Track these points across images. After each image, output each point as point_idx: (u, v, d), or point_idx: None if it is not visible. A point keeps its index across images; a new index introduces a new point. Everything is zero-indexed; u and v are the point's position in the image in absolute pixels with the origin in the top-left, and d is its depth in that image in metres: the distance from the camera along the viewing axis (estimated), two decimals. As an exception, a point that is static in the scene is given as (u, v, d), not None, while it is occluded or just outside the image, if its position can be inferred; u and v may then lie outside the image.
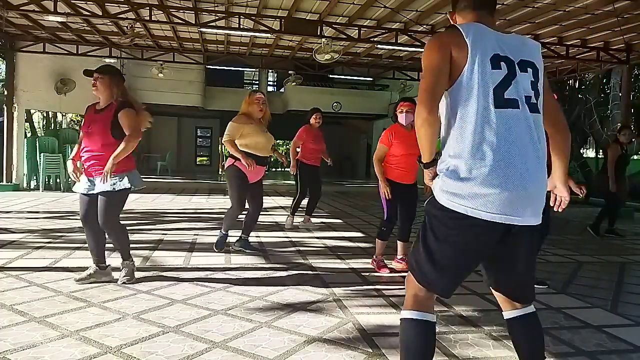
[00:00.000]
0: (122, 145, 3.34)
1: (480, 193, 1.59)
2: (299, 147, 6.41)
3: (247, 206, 4.71)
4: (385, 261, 4.24)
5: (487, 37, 1.68)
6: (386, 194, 4.06)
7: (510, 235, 1.65)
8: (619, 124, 11.41)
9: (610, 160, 6.48)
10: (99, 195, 3.40)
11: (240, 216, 4.71)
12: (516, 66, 1.66)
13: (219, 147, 21.76)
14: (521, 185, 1.59)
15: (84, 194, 3.46)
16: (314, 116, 6.36)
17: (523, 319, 1.79)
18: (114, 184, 3.36)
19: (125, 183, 3.40)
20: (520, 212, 1.61)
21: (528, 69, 1.68)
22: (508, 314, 1.82)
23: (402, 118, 4.13)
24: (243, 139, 4.47)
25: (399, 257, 4.29)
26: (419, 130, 1.68)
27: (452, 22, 1.84)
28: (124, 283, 3.47)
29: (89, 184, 3.43)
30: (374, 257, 4.29)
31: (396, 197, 4.11)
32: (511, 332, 1.84)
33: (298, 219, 6.58)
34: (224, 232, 4.71)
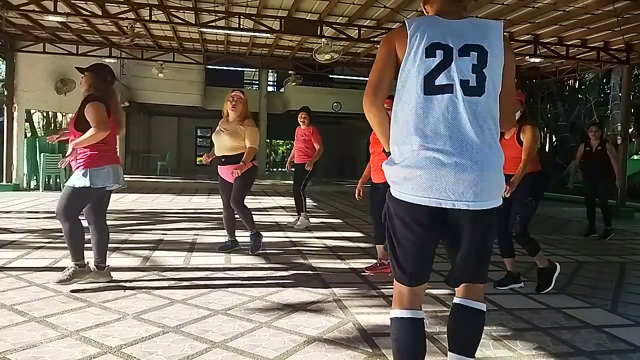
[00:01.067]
0: (85, 134, 3.27)
1: (408, 177, 1.65)
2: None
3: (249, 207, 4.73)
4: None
5: (432, 27, 1.69)
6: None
7: (449, 217, 1.66)
8: (619, 124, 11.42)
9: (578, 158, 6.64)
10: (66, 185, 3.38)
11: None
12: (455, 52, 1.66)
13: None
14: (449, 167, 1.60)
15: None
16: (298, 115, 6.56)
17: (464, 308, 1.78)
18: (76, 179, 3.28)
19: (84, 180, 3.25)
20: (454, 195, 1.61)
21: (472, 52, 1.66)
22: (456, 298, 1.82)
23: None
24: None
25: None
26: (370, 121, 1.78)
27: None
28: (55, 282, 3.26)
29: None
30: (379, 262, 4.13)
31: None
32: (450, 317, 1.84)
33: (291, 219, 6.60)
34: (253, 232, 4.72)
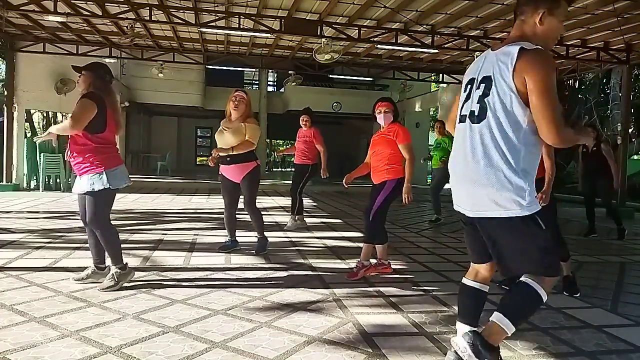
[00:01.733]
0: (60, 124, 3.40)
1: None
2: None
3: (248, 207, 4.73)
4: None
5: (478, 63, 2.08)
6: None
7: (475, 223, 2.06)
8: (619, 124, 11.43)
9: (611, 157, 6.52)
10: (85, 195, 3.37)
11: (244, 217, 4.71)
12: (475, 84, 2.02)
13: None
14: (456, 185, 2.10)
15: (78, 194, 3.46)
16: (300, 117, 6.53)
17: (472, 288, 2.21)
18: (92, 183, 3.29)
19: (104, 182, 3.29)
20: (465, 206, 2.07)
21: (481, 84, 1.98)
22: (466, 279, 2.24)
23: (381, 119, 4.01)
24: None
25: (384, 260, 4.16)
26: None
27: None
28: (103, 289, 3.29)
29: (75, 183, 3.44)
30: (378, 261, 4.09)
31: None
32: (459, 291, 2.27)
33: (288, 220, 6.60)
34: (261, 236, 4.74)
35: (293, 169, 6.64)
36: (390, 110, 4.02)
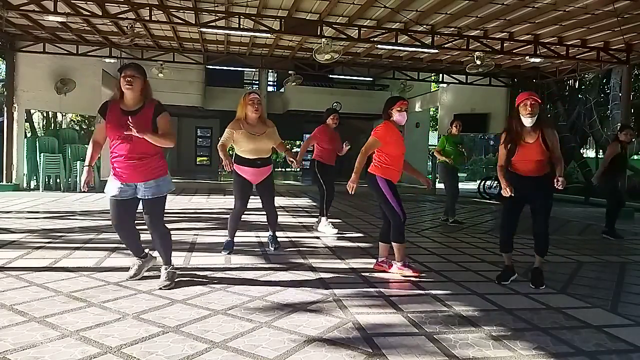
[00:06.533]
0: (162, 135, 3.41)
1: None
2: (311, 147, 6.48)
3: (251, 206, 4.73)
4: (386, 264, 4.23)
5: None
6: (352, 188, 3.93)
7: None
8: (619, 124, 11.42)
9: (606, 156, 6.47)
10: (151, 199, 3.43)
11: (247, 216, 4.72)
12: None
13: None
14: None
15: (121, 199, 3.42)
16: (331, 117, 6.32)
17: None
18: (167, 185, 3.50)
19: (170, 185, 3.54)
20: None
21: None
22: None
23: (400, 117, 4.00)
24: (236, 144, 4.59)
25: (382, 259, 4.18)
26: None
27: None
28: (161, 288, 3.39)
29: (127, 188, 3.39)
30: (398, 262, 4.05)
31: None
32: None
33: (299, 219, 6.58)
34: (229, 238, 4.75)
35: (327, 172, 6.50)
36: (407, 110, 4.12)
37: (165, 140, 3.39)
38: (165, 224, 3.62)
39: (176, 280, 3.56)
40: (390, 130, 4.03)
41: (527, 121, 3.67)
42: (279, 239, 5.10)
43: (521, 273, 4.07)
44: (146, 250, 3.76)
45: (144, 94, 3.38)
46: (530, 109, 3.63)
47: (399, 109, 4.00)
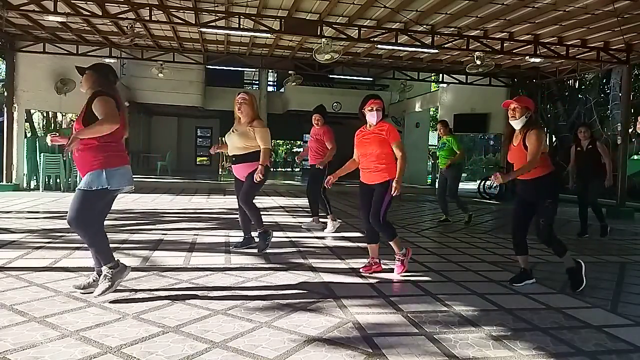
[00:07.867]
0: (92, 125, 3.01)
1: None
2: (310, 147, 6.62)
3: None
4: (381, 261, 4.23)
5: None
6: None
7: None
8: (618, 124, 11.42)
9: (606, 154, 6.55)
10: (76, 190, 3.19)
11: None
12: None
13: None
14: None
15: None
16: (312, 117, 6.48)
17: None
18: (91, 181, 3.08)
19: (102, 182, 3.08)
20: None
21: None
22: None
23: (373, 116, 3.92)
24: None
25: (377, 259, 4.18)
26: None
27: None
28: (99, 295, 3.08)
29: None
30: (399, 258, 4.09)
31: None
32: None
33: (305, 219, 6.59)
34: (261, 230, 4.82)
35: (302, 164, 6.68)
36: (381, 108, 3.98)
37: (96, 128, 3.01)
38: (95, 223, 3.18)
39: (121, 280, 3.23)
40: (360, 131, 4.09)
41: (513, 124, 3.79)
42: (278, 239, 5.10)
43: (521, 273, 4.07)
44: (119, 260, 3.31)
45: (95, 87, 3.27)
46: (512, 112, 3.74)
47: (369, 108, 3.94)
